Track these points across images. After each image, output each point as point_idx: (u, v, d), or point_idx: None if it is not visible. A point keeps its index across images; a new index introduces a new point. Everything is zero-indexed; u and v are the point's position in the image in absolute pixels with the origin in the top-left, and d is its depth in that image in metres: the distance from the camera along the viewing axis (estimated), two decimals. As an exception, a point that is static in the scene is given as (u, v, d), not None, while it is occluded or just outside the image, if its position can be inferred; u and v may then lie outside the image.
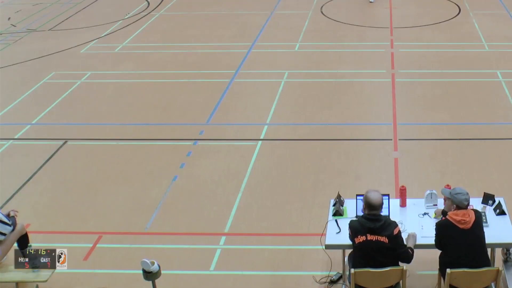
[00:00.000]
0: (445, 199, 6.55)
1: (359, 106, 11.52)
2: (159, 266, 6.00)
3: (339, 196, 6.95)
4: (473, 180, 8.86)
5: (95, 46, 15.22)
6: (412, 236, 6.29)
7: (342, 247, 6.49)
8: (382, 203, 6.04)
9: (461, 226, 5.91)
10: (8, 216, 7.09)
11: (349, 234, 6.08)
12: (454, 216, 5.96)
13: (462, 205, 5.97)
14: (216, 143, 10.34)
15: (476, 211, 6.10)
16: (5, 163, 9.88)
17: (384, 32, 15.55)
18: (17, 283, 6.71)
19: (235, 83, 12.70)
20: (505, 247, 6.63)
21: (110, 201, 8.77)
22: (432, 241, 6.20)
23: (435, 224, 6.16)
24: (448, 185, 6.84)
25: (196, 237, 7.95)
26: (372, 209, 5.95)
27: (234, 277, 7.21)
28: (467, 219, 5.92)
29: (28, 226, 7.80)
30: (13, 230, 6.98)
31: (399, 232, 5.99)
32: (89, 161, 9.91)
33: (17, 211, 7.29)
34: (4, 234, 6.91)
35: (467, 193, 6.03)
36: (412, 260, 6.08)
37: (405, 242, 6.13)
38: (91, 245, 7.81)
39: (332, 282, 6.97)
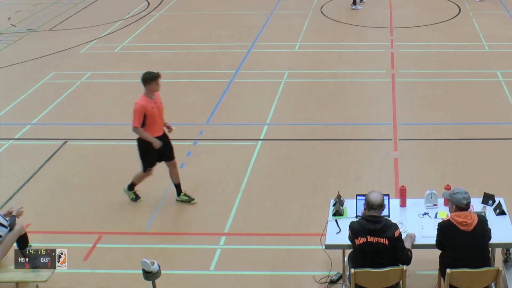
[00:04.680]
0: (445, 201, 6.58)
1: (359, 106, 11.53)
2: (159, 266, 6.00)
3: (339, 196, 6.95)
4: (473, 180, 8.86)
5: (95, 46, 15.22)
6: (410, 237, 6.29)
7: (342, 247, 6.49)
8: (383, 204, 6.03)
9: (462, 228, 5.90)
10: (9, 214, 7.09)
11: (349, 235, 6.07)
12: (456, 217, 5.95)
13: (460, 204, 5.96)
14: (216, 143, 10.34)
15: (480, 216, 6.06)
16: (5, 163, 9.88)
17: (384, 32, 15.55)
18: (17, 283, 6.71)
19: (235, 83, 12.70)
20: (505, 247, 6.63)
21: (110, 201, 8.77)
22: (432, 241, 6.20)
23: (437, 224, 6.15)
24: (448, 185, 6.85)
25: (196, 237, 7.96)
26: (371, 208, 5.95)
27: (234, 277, 7.21)
28: (469, 221, 5.90)
29: (28, 226, 7.80)
30: (10, 230, 6.97)
31: (400, 234, 5.98)
32: (89, 161, 9.92)
33: (22, 209, 7.25)
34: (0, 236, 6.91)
35: (466, 193, 6.01)
36: (412, 260, 6.08)
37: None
38: (91, 245, 7.81)
39: (332, 282, 6.97)
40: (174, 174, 8.56)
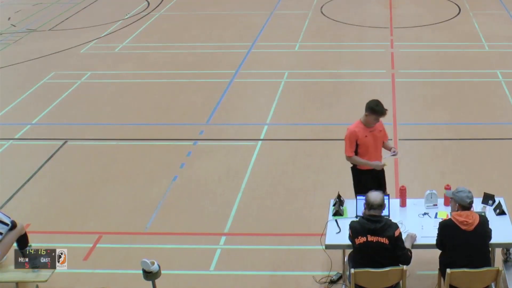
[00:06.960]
0: (445, 198, 6.57)
1: (359, 106, 11.44)
2: (159, 266, 6.00)
3: (339, 196, 6.95)
4: (473, 180, 8.85)
5: (95, 46, 15.23)
6: (411, 237, 6.29)
7: (342, 247, 6.49)
8: (383, 204, 6.03)
9: (463, 227, 5.90)
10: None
11: (349, 234, 6.07)
12: (458, 216, 5.95)
13: (464, 203, 5.95)
14: (216, 143, 10.34)
15: (481, 216, 6.06)
16: (5, 163, 9.88)
17: (384, 32, 15.55)
18: (17, 283, 6.71)
19: (235, 83, 12.70)
20: (505, 247, 6.63)
21: (110, 201, 8.77)
22: (432, 241, 6.20)
23: (438, 223, 6.15)
24: (448, 185, 6.85)
25: (196, 237, 7.95)
26: (371, 208, 5.94)
27: (234, 277, 7.21)
28: (470, 221, 5.90)
29: (28, 226, 7.81)
30: (11, 229, 6.97)
31: (400, 234, 5.98)
32: (89, 161, 9.91)
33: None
34: (0, 234, 6.90)
35: (470, 192, 6.00)
36: (412, 260, 6.08)
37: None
38: (91, 245, 7.81)
39: (332, 282, 6.97)
40: None
